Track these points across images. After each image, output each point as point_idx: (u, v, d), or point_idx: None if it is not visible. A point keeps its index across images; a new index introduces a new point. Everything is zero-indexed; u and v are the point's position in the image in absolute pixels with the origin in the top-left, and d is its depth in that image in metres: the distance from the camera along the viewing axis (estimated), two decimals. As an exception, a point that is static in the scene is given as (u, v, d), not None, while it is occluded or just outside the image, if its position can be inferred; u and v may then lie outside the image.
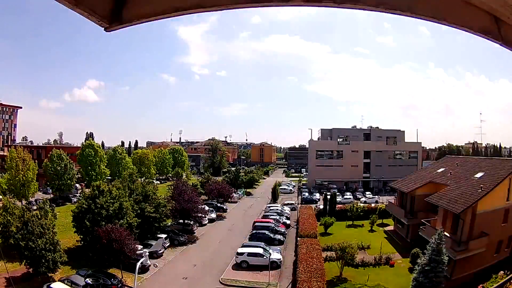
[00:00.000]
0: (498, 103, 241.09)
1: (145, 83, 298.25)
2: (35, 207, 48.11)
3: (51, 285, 28.30)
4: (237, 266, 36.17)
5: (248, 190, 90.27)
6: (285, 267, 36.31)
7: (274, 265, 34.73)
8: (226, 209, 64.61)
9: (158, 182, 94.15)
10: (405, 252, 37.65)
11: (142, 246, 36.30)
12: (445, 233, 27.79)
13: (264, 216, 54.58)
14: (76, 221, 36.95)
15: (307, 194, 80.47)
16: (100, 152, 75.90)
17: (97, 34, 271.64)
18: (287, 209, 62.16)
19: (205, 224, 52.53)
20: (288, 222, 53.51)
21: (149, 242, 39.48)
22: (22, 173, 55.38)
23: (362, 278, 30.93)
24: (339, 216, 53.84)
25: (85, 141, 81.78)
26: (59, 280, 29.95)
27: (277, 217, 53.16)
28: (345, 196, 75.85)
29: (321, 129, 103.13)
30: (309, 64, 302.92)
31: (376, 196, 76.04)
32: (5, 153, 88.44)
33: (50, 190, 69.14)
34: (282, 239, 44.93)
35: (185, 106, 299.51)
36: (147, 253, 34.27)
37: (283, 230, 48.23)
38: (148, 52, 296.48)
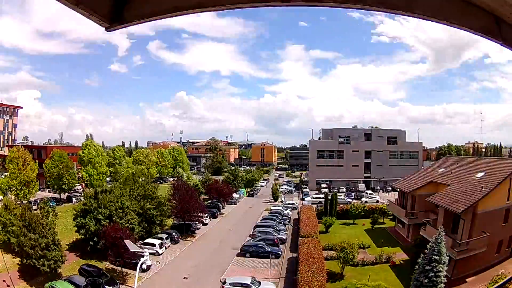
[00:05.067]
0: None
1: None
2: (35, 207, 48.20)
3: (53, 284, 28.36)
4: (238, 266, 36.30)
5: (248, 189, 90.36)
6: (285, 267, 36.45)
7: None
8: (226, 209, 64.69)
9: (159, 182, 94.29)
10: (405, 252, 37.68)
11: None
12: (445, 233, 27.79)
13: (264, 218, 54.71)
14: (78, 221, 37.10)
15: (308, 194, 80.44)
16: (100, 152, 75.92)
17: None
18: (288, 211, 62.21)
19: (206, 224, 52.59)
20: (284, 237, 45.81)
21: (150, 241, 39.64)
22: (24, 172, 55.51)
23: (363, 277, 30.86)
24: (340, 216, 53.95)
25: (85, 141, 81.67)
26: (59, 280, 30.03)
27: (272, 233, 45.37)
28: (346, 195, 75.93)
29: (322, 129, 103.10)
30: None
31: (377, 196, 76.00)
32: (5, 153, 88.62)
33: (51, 190, 69.17)
34: (284, 238, 45.33)
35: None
36: (148, 253, 34.29)
37: (284, 228, 48.89)
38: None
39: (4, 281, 29.17)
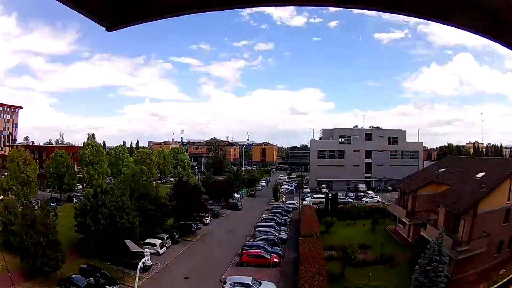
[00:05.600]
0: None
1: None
2: (36, 207, 48.18)
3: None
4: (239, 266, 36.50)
5: (249, 189, 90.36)
6: (285, 267, 36.45)
7: None
8: (228, 209, 64.86)
9: (160, 182, 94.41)
10: (406, 252, 37.64)
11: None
12: (446, 233, 27.78)
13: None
14: (78, 220, 37.13)
15: (308, 194, 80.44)
16: (101, 152, 75.88)
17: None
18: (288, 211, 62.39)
19: (207, 224, 52.62)
20: (285, 237, 46.52)
21: (151, 241, 39.70)
22: (25, 172, 55.56)
23: (364, 277, 30.88)
24: (340, 216, 53.86)
25: (86, 141, 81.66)
26: (60, 280, 30.06)
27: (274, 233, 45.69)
28: (346, 196, 75.93)
29: (323, 129, 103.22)
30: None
31: (378, 196, 75.98)
32: (6, 153, 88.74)
33: (52, 190, 69.22)
34: (285, 237, 45.66)
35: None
36: (149, 253, 34.24)
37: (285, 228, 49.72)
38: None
39: (9, 278, 29.17)
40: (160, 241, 40.46)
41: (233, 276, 32.72)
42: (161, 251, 39.34)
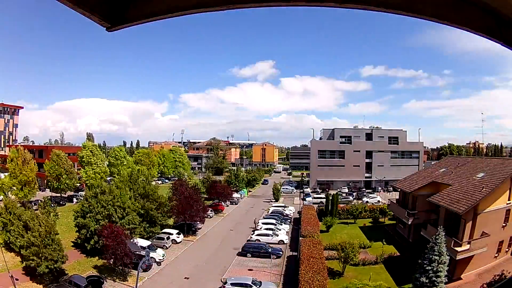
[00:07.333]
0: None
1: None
2: (35, 207, 48.25)
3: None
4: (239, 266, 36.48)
5: (249, 189, 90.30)
6: (285, 267, 36.47)
7: None
8: (227, 209, 64.90)
9: (160, 182, 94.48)
10: (406, 252, 37.64)
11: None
12: (446, 233, 27.78)
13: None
14: (78, 221, 37.16)
15: (309, 194, 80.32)
16: (101, 152, 75.89)
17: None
18: (291, 208, 62.55)
19: (211, 217, 52.80)
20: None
21: (168, 230, 40.77)
22: (25, 172, 55.55)
23: (364, 277, 30.86)
24: (341, 216, 53.92)
25: (86, 141, 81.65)
26: (60, 281, 30.06)
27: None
28: (347, 196, 75.89)
29: (323, 129, 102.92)
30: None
31: (378, 196, 75.90)
32: (6, 153, 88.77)
33: (51, 190, 69.20)
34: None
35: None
36: (149, 253, 34.29)
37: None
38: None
39: (11, 277, 29.19)
40: (178, 230, 44.67)
41: (233, 276, 32.75)
42: (178, 239, 43.17)
